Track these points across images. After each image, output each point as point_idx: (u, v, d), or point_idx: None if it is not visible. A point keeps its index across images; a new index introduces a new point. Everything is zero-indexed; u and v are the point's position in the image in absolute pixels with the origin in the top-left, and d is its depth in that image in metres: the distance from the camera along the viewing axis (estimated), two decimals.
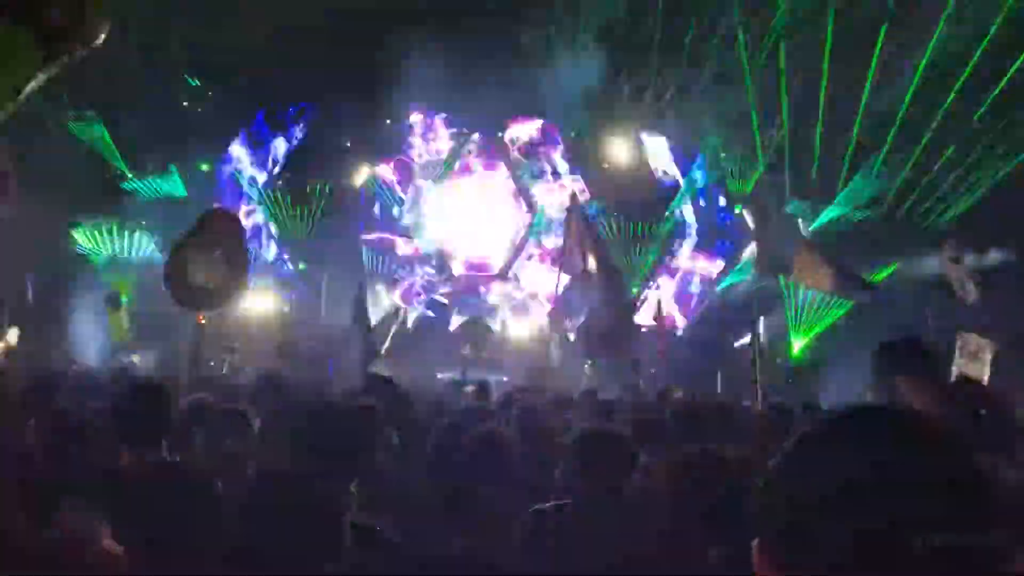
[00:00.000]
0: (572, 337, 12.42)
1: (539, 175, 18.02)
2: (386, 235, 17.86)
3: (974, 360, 7.54)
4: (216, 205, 6.99)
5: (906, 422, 0.84)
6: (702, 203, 17.54)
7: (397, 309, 17.39)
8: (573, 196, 10.11)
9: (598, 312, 8.66)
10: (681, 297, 17.17)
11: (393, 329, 16.58)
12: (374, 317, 16.18)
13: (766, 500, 0.86)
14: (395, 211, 18.06)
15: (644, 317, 14.20)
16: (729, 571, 2.12)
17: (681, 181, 17.38)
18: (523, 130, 17.99)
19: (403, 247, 17.91)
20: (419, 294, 17.77)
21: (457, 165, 18.06)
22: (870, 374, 3.38)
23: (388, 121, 17.67)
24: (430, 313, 17.68)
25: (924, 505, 0.76)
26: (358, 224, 17.68)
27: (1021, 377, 7.15)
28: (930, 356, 3.11)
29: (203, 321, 6.38)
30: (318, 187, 17.11)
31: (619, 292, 9.13)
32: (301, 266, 17.44)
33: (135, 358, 13.14)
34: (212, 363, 12.52)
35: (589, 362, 13.32)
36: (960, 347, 7.82)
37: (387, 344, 16.14)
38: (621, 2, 14.06)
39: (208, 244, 5.82)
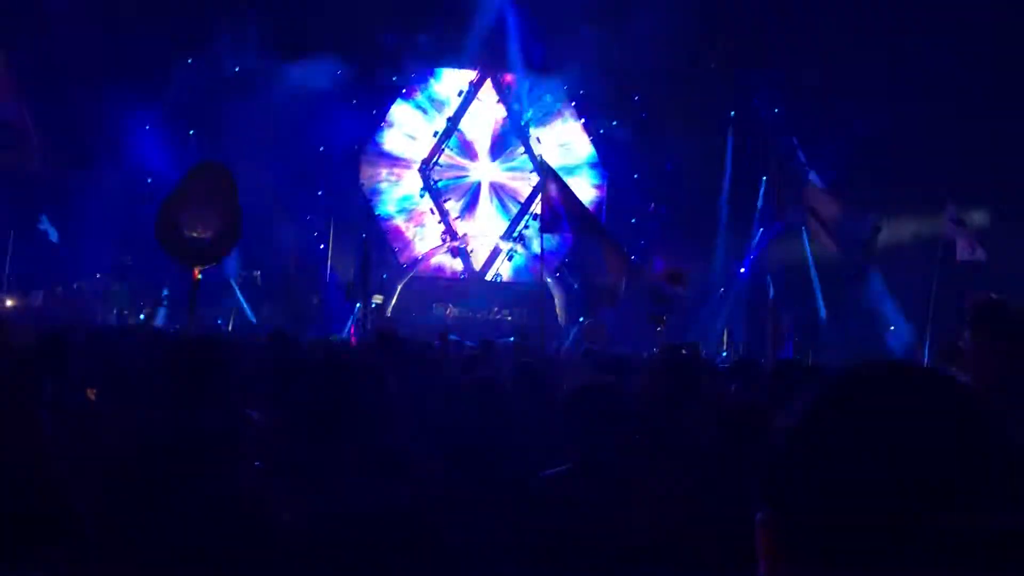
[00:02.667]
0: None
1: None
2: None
3: None
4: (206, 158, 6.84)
5: (936, 385, 0.74)
6: None
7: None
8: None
9: (596, 266, 8.70)
10: None
11: (399, 288, 16.48)
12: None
13: (775, 467, 0.76)
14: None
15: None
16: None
17: None
18: None
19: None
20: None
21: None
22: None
23: None
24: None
25: (953, 480, 0.68)
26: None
27: None
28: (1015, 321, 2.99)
29: (199, 276, 6.25)
30: None
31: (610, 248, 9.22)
32: None
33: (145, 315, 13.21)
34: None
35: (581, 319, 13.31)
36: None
37: (393, 301, 16.11)
38: None
39: (200, 198, 5.68)
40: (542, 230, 10.09)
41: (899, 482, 0.68)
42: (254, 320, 13.82)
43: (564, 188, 9.60)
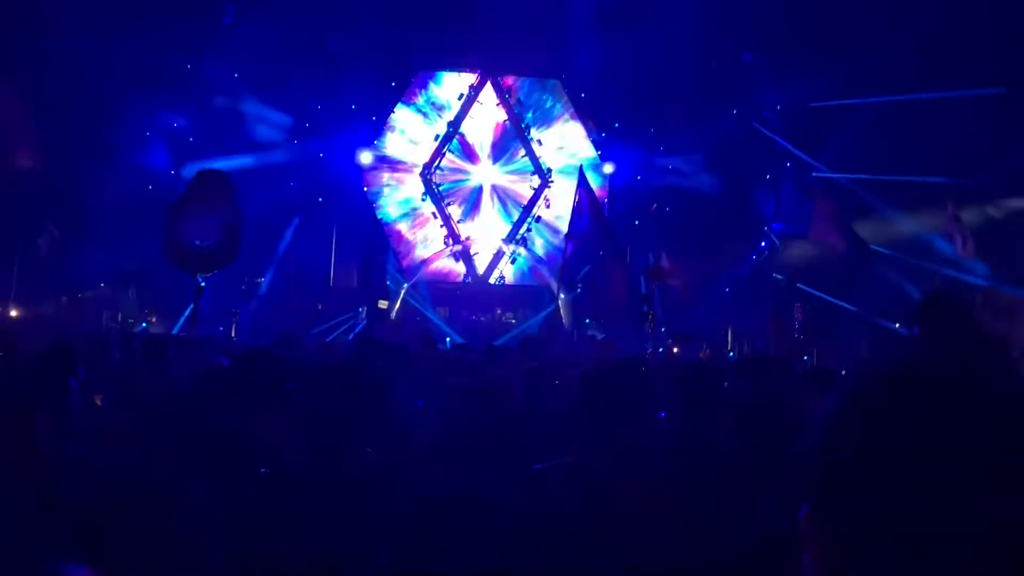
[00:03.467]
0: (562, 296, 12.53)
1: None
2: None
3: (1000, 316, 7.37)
4: (207, 167, 6.88)
5: (971, 378, 0.75)
6: None
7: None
8: None
9: (600, 271, 8.74)
10: None
11: (402, 293, 16.50)
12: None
13: (815, 464, 0.77)
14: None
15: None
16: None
17: None
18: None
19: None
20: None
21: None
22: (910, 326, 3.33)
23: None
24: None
25: (997, 469, 0.68)
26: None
27: None
28: (961, 310, 3.03)
29: (202, 283, 6.28)
30: None
31: (617, 250, 9.29)
32: None
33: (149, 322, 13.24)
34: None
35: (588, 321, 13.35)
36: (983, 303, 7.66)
37: (397, 306, 16.13)
38: None
39: (202, 207, 5.71)
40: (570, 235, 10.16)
41: (942, 474, 0.68)
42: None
43: (589, 193, 9.76)
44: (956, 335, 2.96)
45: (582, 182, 10.19)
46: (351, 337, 13.50)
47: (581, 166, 11.57)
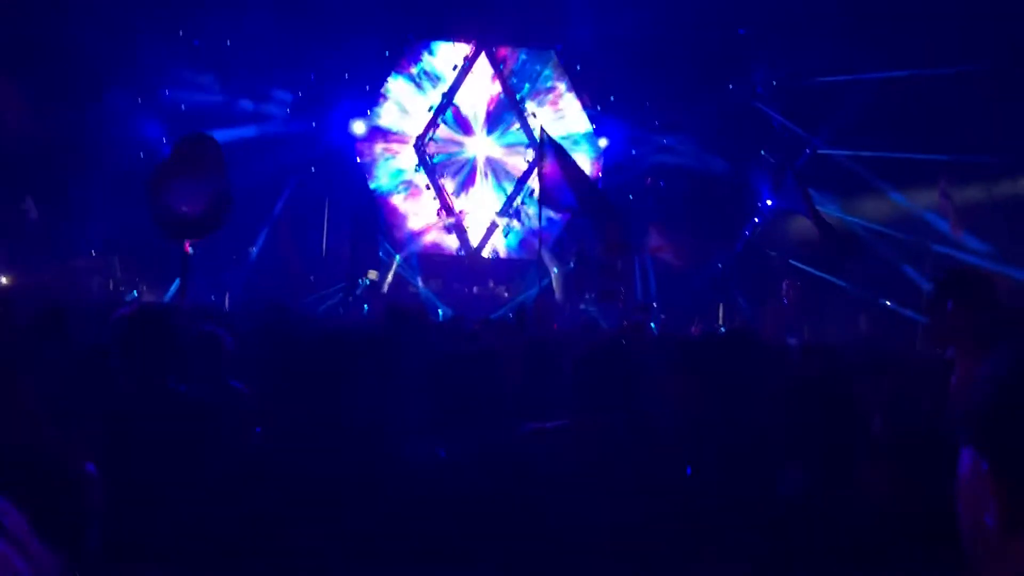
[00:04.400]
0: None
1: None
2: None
3: None
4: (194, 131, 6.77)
5: None
6: None
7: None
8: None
9: (590, 247, 8.68)
10: None
11: (394, 265, 16.46)
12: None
13: (989, 418, 0.82)
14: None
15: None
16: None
17: None
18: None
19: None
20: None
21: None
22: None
23: None
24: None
25: None
26: None
27: None
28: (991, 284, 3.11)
29: (190, 250, 6.22)
30: None
31: (608, 225, 9.17)
32: None
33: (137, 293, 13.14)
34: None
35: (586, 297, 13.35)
36: None
37: (389, 278, 16.10)
38: None
39: (189, 172, 5.64)
40: (541, 204, 10.04)
41: None
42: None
43: (563, 161, 9.50)
44: (988, 308, 3.04)
45: (550, 151, 9.86)
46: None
47: (544, 134, 10.44)
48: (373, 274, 15.80)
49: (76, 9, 12.53)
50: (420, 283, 16.35)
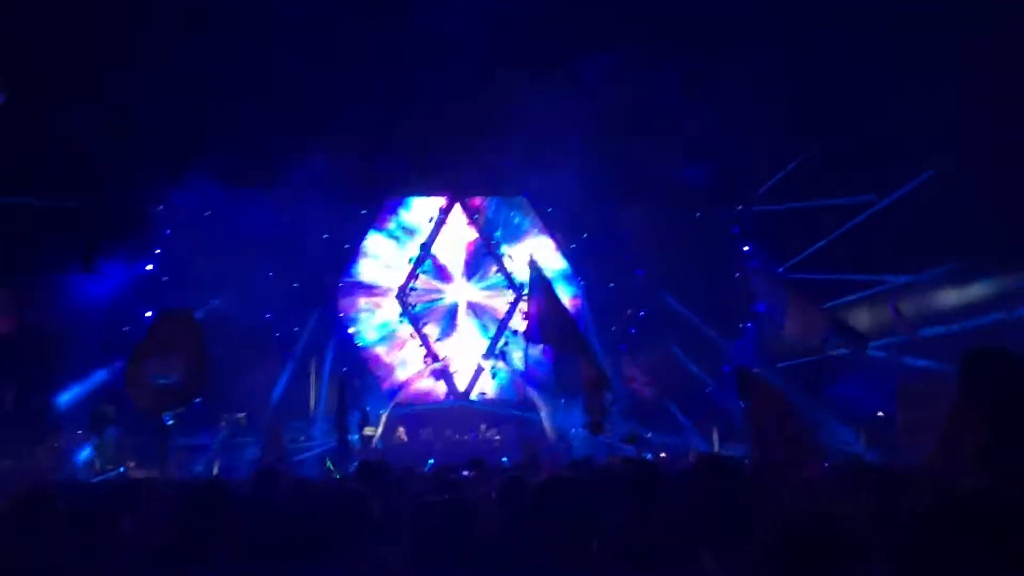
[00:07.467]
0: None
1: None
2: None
3: None
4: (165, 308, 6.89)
5: None
6: None
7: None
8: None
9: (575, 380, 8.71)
10: None
11: (384, 415, 16.34)
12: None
13: None
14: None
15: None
16: None
17: None
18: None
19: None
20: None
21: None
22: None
23: None
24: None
25: None
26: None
27: None
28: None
29: (170, 423, 6.26)
30: None
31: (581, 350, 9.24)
32: None
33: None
34: None
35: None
36: None
37: (379, 431, 15.95)
38: None
39: (163, 347, 5.76)
40: (526, 340, 10.09)
41: None
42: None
43: (547, 297, 9.60)
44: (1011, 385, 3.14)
45: (536, 284, 9.93)
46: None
47: (533, 264, 10.49)
48: (370, 430, 15.69)
49: None
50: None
